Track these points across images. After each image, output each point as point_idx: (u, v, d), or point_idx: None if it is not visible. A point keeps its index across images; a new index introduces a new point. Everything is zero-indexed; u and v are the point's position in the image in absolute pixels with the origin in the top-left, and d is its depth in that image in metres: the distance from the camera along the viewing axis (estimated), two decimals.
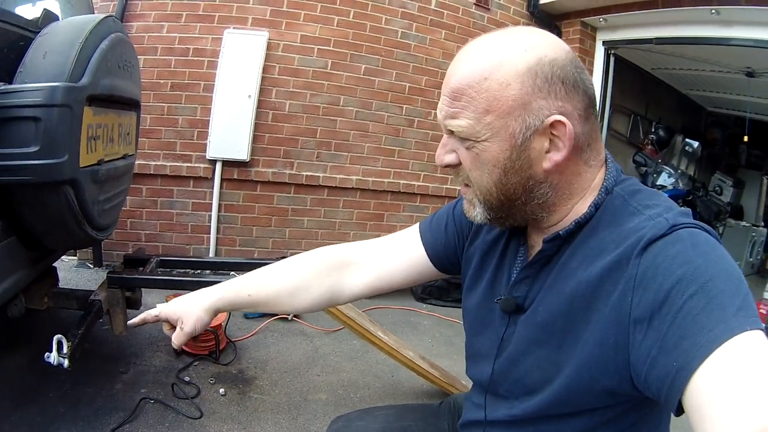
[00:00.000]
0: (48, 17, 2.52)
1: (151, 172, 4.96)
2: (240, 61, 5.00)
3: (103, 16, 2.58)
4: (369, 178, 5.63)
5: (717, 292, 0.86)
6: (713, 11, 4.90)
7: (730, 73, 6.81)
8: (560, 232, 1.11)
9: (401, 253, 1.56)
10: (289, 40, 5.17)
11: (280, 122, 5.25)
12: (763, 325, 0.84)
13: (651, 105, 8.52)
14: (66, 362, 2.30)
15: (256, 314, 4.46)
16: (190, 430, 2.92)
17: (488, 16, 5.96)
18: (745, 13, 4.77)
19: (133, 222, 5.06)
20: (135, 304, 3.20)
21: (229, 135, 5.03)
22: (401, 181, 5.78)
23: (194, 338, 1.48)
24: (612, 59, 6.47)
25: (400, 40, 5.57)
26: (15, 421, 2.72)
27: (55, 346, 2.28)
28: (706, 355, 0.81)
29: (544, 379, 1.12)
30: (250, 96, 5.03)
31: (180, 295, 1.52)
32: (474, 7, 5.84)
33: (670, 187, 7.91)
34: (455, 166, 1.15)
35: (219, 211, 5.20)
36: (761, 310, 5.50)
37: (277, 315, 4.48)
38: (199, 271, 3.58)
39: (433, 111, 5.68)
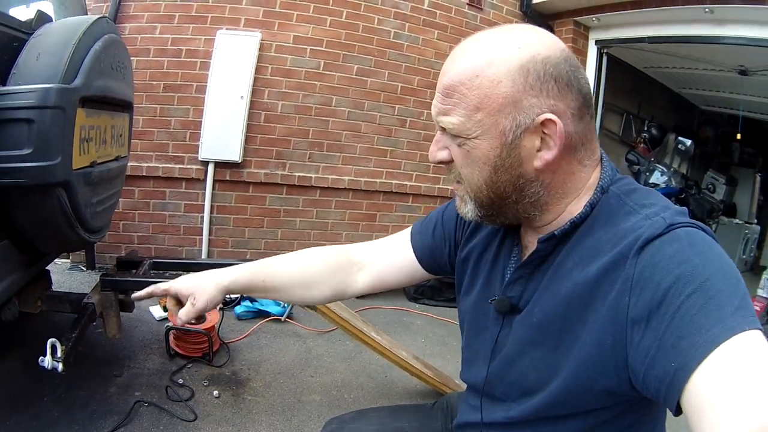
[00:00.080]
0: (41, 18, 2.51)
1: (144, 174, 4.94)
2: (232, 62, 4.99)
3: (96, 17, 2.57)
4: (361, 179, 5.63)
5: (715, 291, 0.86)
6: (706, 10, 4.91)
7: (723, 71, 6.82)
8: (555, 232, 1.10)
9: (397, 254, 1.60)
10: (281, 41, 5.16)
11: (273, 123, 5.24)
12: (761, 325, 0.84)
13: (644, 104, 8.54)
14: (60, 366, 2.30)
15: (248, 315, 4.47)
16: None
17: (481, 15, 5.96)
18: (738, 11, 4.78)
19: (125, 224, 5.04)
20: (128, 307, 3.20)
21: (222, 136, 5.01)
22: (393, 181, 5.78)
23: (198, 319, 1.49)
24: (605, 58, 6.47)
25: (392, 41, 5.56)
26: (10, 425, 2.71)
27: (49, 350, 2.27)
28: (704, 356, 0.81)
29: (540, 381, 1.12)
30: (242, 97, 5.02)
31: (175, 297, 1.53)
32: (467, 6, 5.84)
33: (663, 186, 7.94)
34: (447, 163, 1.15)
35: (211, 212, 5.18)
36: (755, 307, 5.51)
37: (270, 317, 4.48)
38: (191, 272, 3.57)
39: (425, 111, 5.70)
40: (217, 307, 4.10)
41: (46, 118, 2.13)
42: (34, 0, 2.75)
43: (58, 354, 2.30)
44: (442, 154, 1.14)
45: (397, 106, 5.67)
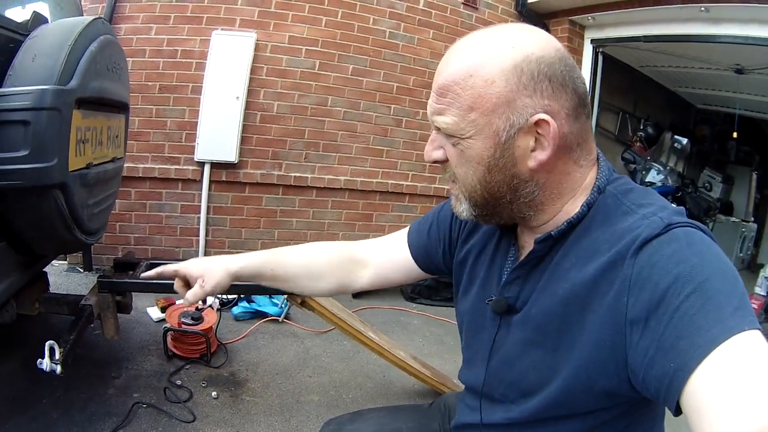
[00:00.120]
0: (37, 20, 2.51)
1: (140, 175, 4.93)
2: (228, 63, 4.98)
3: (91, 18, 2.56)
4: (357, 179, 5.63)
5: (714, 291, 0.86)
6: (702, 8, 4.90)
7: (719, 70, 6.82)
8: (552, 232, 1.10)
9: (396, 253, 1.63)
10: (277, 41, 5.16)
11: (268, 123, 5.24)
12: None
13: (639, 102, 8.55)
14: (58, 368, 2.30)
15: (246, 316, 4.47)
16: None
17: (476, 15, 5.96)
18: (734, 10, 4.78)
19: (122, 225, 5.04)
20: (125, 309, 3.20)
21: (218, 137, 5.01)
22: (390, 181, 5.79)
23: (203, 301, 1.57)
24: (600, 57, 6.48)
25: (388, 40, 5.56)
26: (9, 428, 2.70)
27: (47, 353, 2.28)
28: (703, 356, 0.81)
29: (540, 381, 1.12)
30: (238, 97, 5.02)
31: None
32: (462, 6, 5.84)
33: (659, 184, 7.94)
34: (443, 162, 1.16)
35: (208, 213, 5.18)
36: (753, 305, 5.52)
37: (267, 317, 4.47)
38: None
39: (421, 110, 5.72)
40: (215, 307, 4.13)
41: (42, 119, 2.13)
42: (30, 1, 2.74)
43: (57, 356, 2.30)
44: (438, 154, 1.15)
45: (392, 105, 5.67)
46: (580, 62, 6.37)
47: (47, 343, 2.27)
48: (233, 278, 1.54)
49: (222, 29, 4.97)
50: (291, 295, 3.20)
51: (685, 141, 8.65)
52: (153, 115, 4.95)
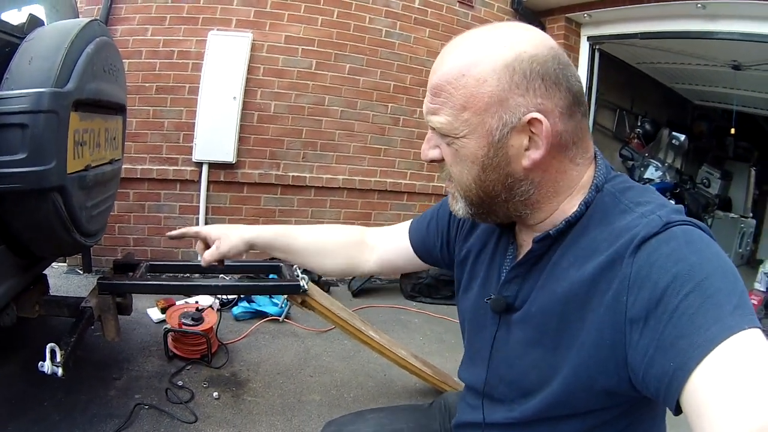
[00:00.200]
0: (33, 22, 2.51)
1: (138, 176, 4.94)
2: (224, 63, 4.99)
3: (87, 20, 2.56)
4: (355, 178, 5.65)
5: (713, 290, 0.86)
6: (699, 5, 4.92)
7: (716, 66, 6.84)
8: (550, 231, 1.10)
9: (399, 242, 1.69)
10: (273, 41, 5.17)
11: (266, 123, 5.26)
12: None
13: (636, 99, 8.57)
14: (60, 371, 2.29)
15: (246, 316, 4.47)
16: None
17: (472, 13, 5.98)
18: (731, 6, 4.79)
19: (121, 227, 5.04)
20: (126, 310, 3.19)
21: (215, 137, 5.02)
22: (388, 180, 5.81)
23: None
24: (597, 54, 6.50)
25: (384, 39, 5.58)
26: (11, 431, 2.70)
27: (48, 355, 2.27)
28: (703, 355, 0.81)
29: (541, 381, 1.12)
30: (235, 97, 5.03)
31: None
32: (458, 4, 5.87)
33: (658, 181, 7.94)
34: (439, 161, 1.16)
35: (206, 213, 5.19)
36: (752, 301, 5.52)
37: (268, 317, 4.47)
38: (188, 274, 3.57)
39: (418, 109, 5.69)
40: (215, 308, 4.13)
41: (40, 122, 2.13)
42: (26, 4, 2.74)
43: (58, 358, 2.30)
44: (433, 153, 1.15)
45: (389, 104, 5.69)
46: (576, 60, 6.38)
47: (48, 346, 2.26)
48: (248, 245, 1.71)
49: (218, 30, 4.98)
50: (291, 295, 3.20)
51: (682, 137, 8.66)
52: (150, 117, 4.96)
